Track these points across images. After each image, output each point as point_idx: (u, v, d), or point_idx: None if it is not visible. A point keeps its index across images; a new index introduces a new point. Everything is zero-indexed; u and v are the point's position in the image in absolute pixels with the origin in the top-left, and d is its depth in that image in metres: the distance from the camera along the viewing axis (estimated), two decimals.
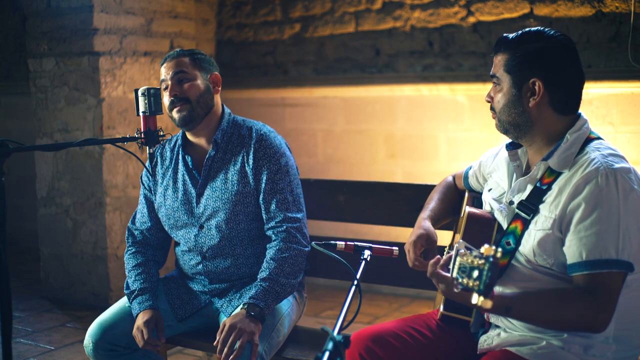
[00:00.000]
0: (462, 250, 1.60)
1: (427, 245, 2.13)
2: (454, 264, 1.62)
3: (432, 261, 1.83)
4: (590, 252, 1.75)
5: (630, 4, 3.79)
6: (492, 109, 2.00)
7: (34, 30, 4.51)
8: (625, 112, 3.86)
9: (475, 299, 1.50)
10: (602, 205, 1.76)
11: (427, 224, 2.21)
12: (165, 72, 2.52)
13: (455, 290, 1.57)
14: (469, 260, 1.52)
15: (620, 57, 3.85)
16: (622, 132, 3.87)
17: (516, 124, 1.93)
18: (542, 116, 1.90)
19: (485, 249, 1.50)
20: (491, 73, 1.98)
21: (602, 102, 3.89)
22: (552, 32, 1.91)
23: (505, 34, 1.97)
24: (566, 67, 1.89)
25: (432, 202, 2.34)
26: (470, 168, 2.33)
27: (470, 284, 1.50)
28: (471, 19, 4.31)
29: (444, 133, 4.47)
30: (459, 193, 2.39)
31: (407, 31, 4.53)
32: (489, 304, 1.49)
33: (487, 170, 2.22)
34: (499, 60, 1.94)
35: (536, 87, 1.88)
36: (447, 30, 4.40)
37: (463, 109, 4.39)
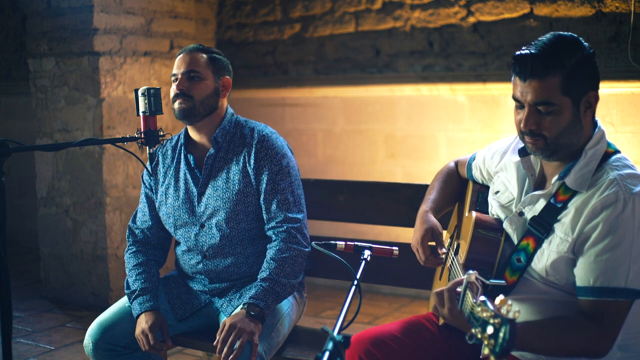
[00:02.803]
0: (471, 283, 1.52)
1: (433, 239, 2.12)
2: (463, 298, 1.56)
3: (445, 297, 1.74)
4: (599, 278, 1.72)
5: (630, 4, 3.79)
6: (534, 135, 1.82)
7: (34, 30, 4.51)
8: (625, 112, 3.86)
9: (489, 354, 1.39)
10: (616, 232, 1.71)
11: (430, 217, 2.18)
12: (177, 65, 2.52)
13: (469, 341, 1.45)
14: (484, 315, 1.42)
15: (620, 57, 3.85)
16: (622, 132, 3.87)
17: (571, 143, 1.83)
18: (588, 126, 1.86)
19: (500, 300, 1.40)
20: (537, 101, 1.79)
21: (602, 102, 3.81)
22: (570, 35, 1.82)
23: (531, 52, 1.78)
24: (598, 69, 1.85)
25: (433, 193, 2.30)
26: (474, 159, 2.27)
27: (485, 341, 1.40)
28: (471, 19, 4.31)
29: (444, 133, 4.47)
30: (461, 180, 2.35)
31: (407, 31, 4.53)
32: None
33: (493, 169, 2.15)
34: (549, 85, 1.77)
35: (592, 100, 1.82)
36: (447, 30, 4.40)
37: (463, 109, 4.39)
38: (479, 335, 1.42)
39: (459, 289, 1.67)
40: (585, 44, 1.82)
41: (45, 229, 4.66)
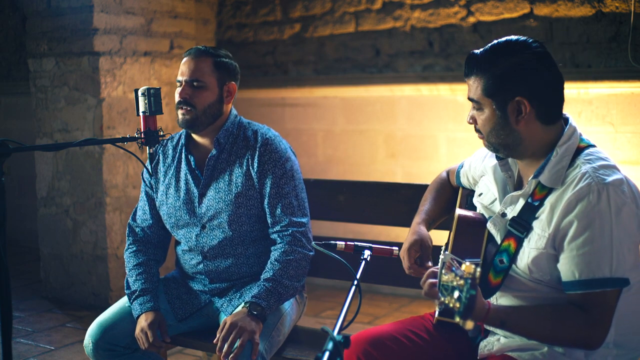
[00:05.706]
0: (447, 263, 1.58)
1: (421, 251, 2.12)
2: (439, 278, 1.59)
3: (428, 281, 1.82)
4: (584, 271, 1.74)
5: (630, 4, 3.79)
6: (477, 130, 1.93)
7: (34, 30, 4.51)
8: (625, 112, 3.86)
9: (457, 319, 1.47)
10: (594, 224, 1.73)
11: (421, 229, 2.19)
12: (182, 71, 2.50)
13: (439, 309, 1.54)
14: (450, 279, 1.50)
15: (620, 57, 3.85)
16: (622, 132, 3.87)
17: (506, 144, 1.88)
18: (531, 132, 1.85)
19: (466, 266, 1.47)
20: (469, 97, 1.90)
21: (602, 102, 3.89)
22: (521, 39, 1.84)
23: (473, 52, 1.88)
24: (545, 76, 1.82)
25: (426, 204, 2.32)
26: (462, 166, 2.31)
27: (451, 304, 1.48)
28: (471, 19, 4.31)
29: (444, 133, 4.47)
30: (453, 189, 2.37)
31: (407, 31, 4.53)
32: (470, 325, 1.47)
33: (477, 173, 2.19)
34: (474, 84, 1.87)
35: (522, 106, 1.82)
36: (447, 30, 4.40)
37: (463, 109, 4.39)
38: (447, 301, 1.49)
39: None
40: (531, 47, 1.82)
41: (45, 229, 4.66)
